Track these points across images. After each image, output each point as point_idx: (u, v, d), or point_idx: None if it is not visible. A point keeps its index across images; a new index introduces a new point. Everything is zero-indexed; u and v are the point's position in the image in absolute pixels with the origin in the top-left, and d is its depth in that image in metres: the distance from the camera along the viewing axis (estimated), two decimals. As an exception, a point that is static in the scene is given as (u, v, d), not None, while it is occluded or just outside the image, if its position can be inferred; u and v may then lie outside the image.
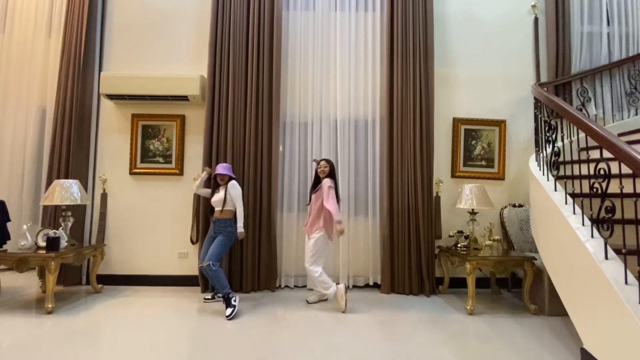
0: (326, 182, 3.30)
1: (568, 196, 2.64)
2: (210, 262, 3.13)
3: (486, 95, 4.20)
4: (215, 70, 3.89)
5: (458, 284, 3.92)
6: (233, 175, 3.49)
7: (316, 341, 2.59)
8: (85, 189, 3.94)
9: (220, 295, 3.28)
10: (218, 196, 3.40)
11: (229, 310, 3.02)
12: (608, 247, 2.11)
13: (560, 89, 4.12)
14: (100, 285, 3.74)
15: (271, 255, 3.83)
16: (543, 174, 3.06)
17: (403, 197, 3.84)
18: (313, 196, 3.46)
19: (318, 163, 3.48)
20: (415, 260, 3.78)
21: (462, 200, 3.61)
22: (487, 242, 3.52)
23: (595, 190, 2.21)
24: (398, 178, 3.86)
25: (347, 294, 3.39)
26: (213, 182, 3.55)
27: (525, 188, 4.00)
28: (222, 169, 3.43)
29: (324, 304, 3.39)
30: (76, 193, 3.48)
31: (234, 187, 3.39)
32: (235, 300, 3.13)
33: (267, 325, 2.87)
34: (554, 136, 2.94)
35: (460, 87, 4.20)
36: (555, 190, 2.79)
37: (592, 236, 2.25)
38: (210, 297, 3.50)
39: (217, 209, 3.39)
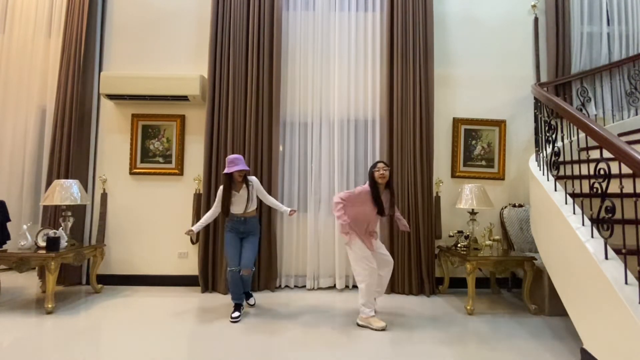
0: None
1: (568, 196, 2.64)
2: (252, 269, 3.08)
3: (486, 95, 4.20)
4: (215, 70, 3.89)
5: (458, 284, 3.92)
6: (248, 168, 3.16)
7: (315, 341, 2.58)
8: (85, 189, 3.94)
9: (246, 293, 3.28)
10: (240, 197, 3.11)
11: (238, 314, 2.99)
12: (608, 247, 2.10)
13: (560, 89, 4.12)
14: (100, 285, 3.74)
15: (271, 255, 3.82)
16: (543, 174, 3.06)
17: (403, 197, 3.84)
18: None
19: (374, 166, 2.95)
20: (415, 260, 3.78)
21: (462, 200, 3.61)
22: (487, 242, 3.52)
23: (595, 190, 2.21)
24: (398, 178, 3.86)
25: (346, 293, 3.32)
26: (226, 180, 3.10)
27: (525, 188, 4.00)
28: (242, 164, 3.05)
29: (319, 306, 3.38)
30: (76, 193, 3.48)
31: (256, 183, 3.21)
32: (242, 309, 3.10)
33: (267, 325, 2.87)
34: (554, 136, 2.94)
35: (460, 87, 4.20)
36: (555, 190, 2.79)
37: (592, 236, 2.25)
38: (252, 303, 3.34)
39: (243, 210, 3.11)
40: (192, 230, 3.12)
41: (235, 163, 3.04)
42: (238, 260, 3.06)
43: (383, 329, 2.77)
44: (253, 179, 3.23)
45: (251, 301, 3.34)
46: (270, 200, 3.31)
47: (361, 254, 2.87)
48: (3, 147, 4.14)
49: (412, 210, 3.81)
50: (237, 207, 3.13)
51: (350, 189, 4.01)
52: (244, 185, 3.15)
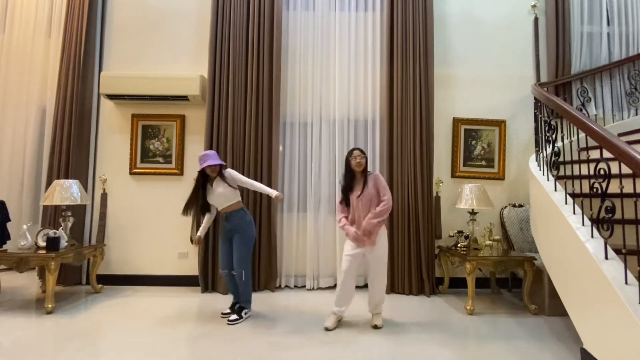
0: (379, 176, 2.91)
1: (568, 196, 2.64)
2: (243, 272, 2.92)
3: (486, 95, 4.20)
4: (215, 70, 3.89)
5: (458, 284, 3.92)
6: (223, 163, 3.06)
7: (315, 341, 2.58)
8: (85, 189, 3.94)
9: (238, 306, 3.02)
10: (217, 192, 2.96)
11: (235, 317, 2.91)
12: (608, 247, 2.10)
13: (560, 89, 4.12)
14: (100, 285, 3.73)
15: (271, 255, 3.82)
16: (543, 174, 3.06)
17: (403, 197, 3.84)
18: (356, 196, 2.84)
19: (350, 153, 2.87)
20: (415, 260, 3.78)
21: (462, 200, 3.61)
22: (487, 242, 3.52)
23: (595, 190, 2.21)
24: (398, 178, 3.86)
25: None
26: (201, 179, 3.02)
27: (525, 188, 4.00)
28: (212, 158, 2.94)
29: (318, 306, 3.38)
30: (76, 193, 3.48)
31: (230, 173, 3.03)
32: (246, 314, 3.00)
33: (266, 325, 2.87)
34: (554, 136, 2.94)
35: (460, 87, 4.20)
36: (555, 190, 2.79)
37: (592, 236, 2.25)
38: (228, 311, 3.04)
39: (223, 206, 3.01)
40: (200, 238, 3.13)
41: (204, 160, 2.94)
42: (225, 262, 3.04)
43: (326, 329, 2.77)
44: (228, 171, 3.05)
45: (232, 317, 2.92)
46: (254, 185, 3.08)
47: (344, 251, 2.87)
48: (3, 147, 4.14)
49: (412, 210, 3.81)
50: (216, 203, 3.03)
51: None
52: (220, 180, 2.99)
